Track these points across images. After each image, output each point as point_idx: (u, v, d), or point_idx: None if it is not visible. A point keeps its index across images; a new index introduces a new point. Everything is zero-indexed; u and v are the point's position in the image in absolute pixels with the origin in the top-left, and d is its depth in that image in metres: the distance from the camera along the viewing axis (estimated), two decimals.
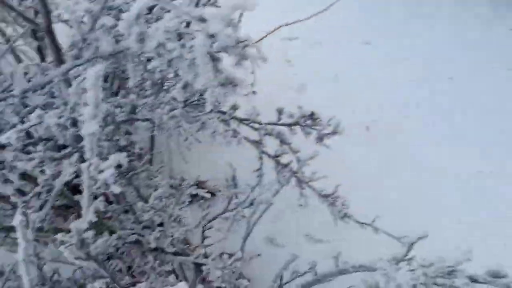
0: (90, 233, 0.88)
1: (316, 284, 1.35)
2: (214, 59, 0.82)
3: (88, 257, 0.90)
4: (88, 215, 0.84)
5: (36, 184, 1.24)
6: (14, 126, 0.97)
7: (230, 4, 0.67)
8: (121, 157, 0.83)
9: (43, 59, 1.91)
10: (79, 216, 1.43)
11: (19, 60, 1.99)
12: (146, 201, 1.46)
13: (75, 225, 0.86)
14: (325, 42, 3.23)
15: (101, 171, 0.81)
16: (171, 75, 1.26)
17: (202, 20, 0.68)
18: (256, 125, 1.60)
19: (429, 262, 1.09)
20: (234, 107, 1.55)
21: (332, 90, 2.92)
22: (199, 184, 2.62)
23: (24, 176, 1.19)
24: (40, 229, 1.24)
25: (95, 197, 1.48)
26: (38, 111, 0.82)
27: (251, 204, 1.69)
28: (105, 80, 1.46)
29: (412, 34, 3.48)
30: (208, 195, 1.64)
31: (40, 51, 1.90)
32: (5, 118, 0.96)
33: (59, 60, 1.09)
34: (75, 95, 0.93)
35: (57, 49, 1.07)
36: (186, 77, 0.85)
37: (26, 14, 0.99)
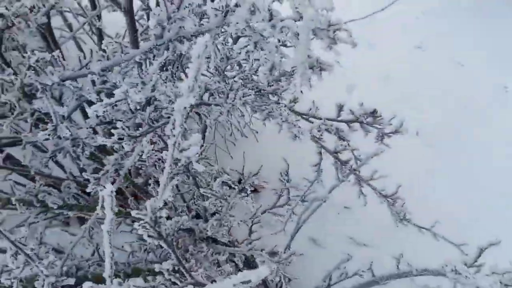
0: (164, 212, 0.87)
1: (373, 285, 1.31)
2: None
3: (159, 236, 0.90)
4: (165, 193, 0.84)
5: (102, 164, 1.25)
6: (92, 102, 0.97)
7: None
8: (200, 139, 0.83)
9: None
10: (134, 198, 1.43)
11: (79, 46, 2.03)
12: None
13: (151, 203, 0.86)
14: (378, 43, 3.18)
15: (183, 150, 0.80)
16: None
17: None
18: (315, 120, 1.58)
19: (504, 269, 1.04)
20: (294, 100, 1.53)
21: (382, 92, 2.86)
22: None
23: (92, 155, 1.20)
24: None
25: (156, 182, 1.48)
26: (124, 86, 0.82)
27: (303, 200, 1.66)
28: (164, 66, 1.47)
29: (468, 39, 3.38)
30: (265, 185, 1.62)
31: (100, 37, 1.93)
32: (83, 94, 0.97)
33: (135, 41, 1.09)
34: (155, 74, 0.93)
35: (134, 29, 1.08)
36: (273, 59, 0.83)
37: None
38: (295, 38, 0.79)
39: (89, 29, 2.28)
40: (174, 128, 0.93)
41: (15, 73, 1.04)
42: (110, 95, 1.15)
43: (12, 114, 1.10)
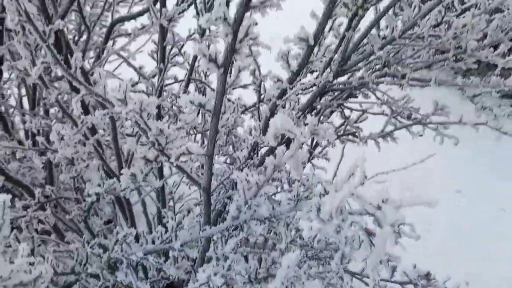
0: None
1: None
2: (371, 233, 0.89)
3: None
4: None
5: None
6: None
7: (407, 199, 0.75)
8: None
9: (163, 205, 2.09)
10: None
11: (143, 202, 2.18)
12: None
13: None
14: (420, 190, 3.26)
15: None
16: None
17: (379, 207, 0.77)
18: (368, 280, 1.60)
19: None
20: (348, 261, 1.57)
21: (424, 242, 2.85)
22: None
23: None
24: None
25: None
26: (209, 270, 0.91)
27: None
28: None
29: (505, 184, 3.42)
30: None
31: (163, 190, 2.09)
32: (164, 268, 1.06)
33: (209, 214, 1.22)
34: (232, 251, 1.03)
35: (209, 205, 1.20)
36: (342, 248, 0.91)
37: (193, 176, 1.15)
38: (362, 231, 0.88)
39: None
40: None
41: (101, 246, 1.15)
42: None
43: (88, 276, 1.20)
